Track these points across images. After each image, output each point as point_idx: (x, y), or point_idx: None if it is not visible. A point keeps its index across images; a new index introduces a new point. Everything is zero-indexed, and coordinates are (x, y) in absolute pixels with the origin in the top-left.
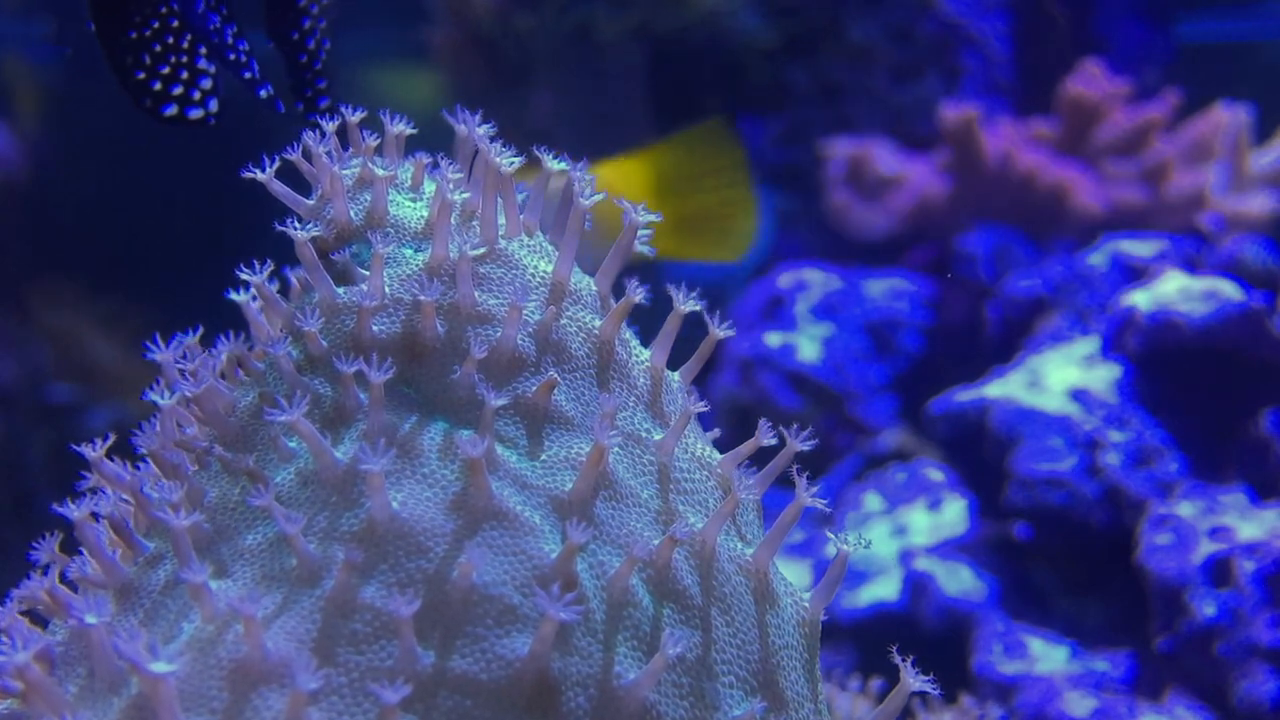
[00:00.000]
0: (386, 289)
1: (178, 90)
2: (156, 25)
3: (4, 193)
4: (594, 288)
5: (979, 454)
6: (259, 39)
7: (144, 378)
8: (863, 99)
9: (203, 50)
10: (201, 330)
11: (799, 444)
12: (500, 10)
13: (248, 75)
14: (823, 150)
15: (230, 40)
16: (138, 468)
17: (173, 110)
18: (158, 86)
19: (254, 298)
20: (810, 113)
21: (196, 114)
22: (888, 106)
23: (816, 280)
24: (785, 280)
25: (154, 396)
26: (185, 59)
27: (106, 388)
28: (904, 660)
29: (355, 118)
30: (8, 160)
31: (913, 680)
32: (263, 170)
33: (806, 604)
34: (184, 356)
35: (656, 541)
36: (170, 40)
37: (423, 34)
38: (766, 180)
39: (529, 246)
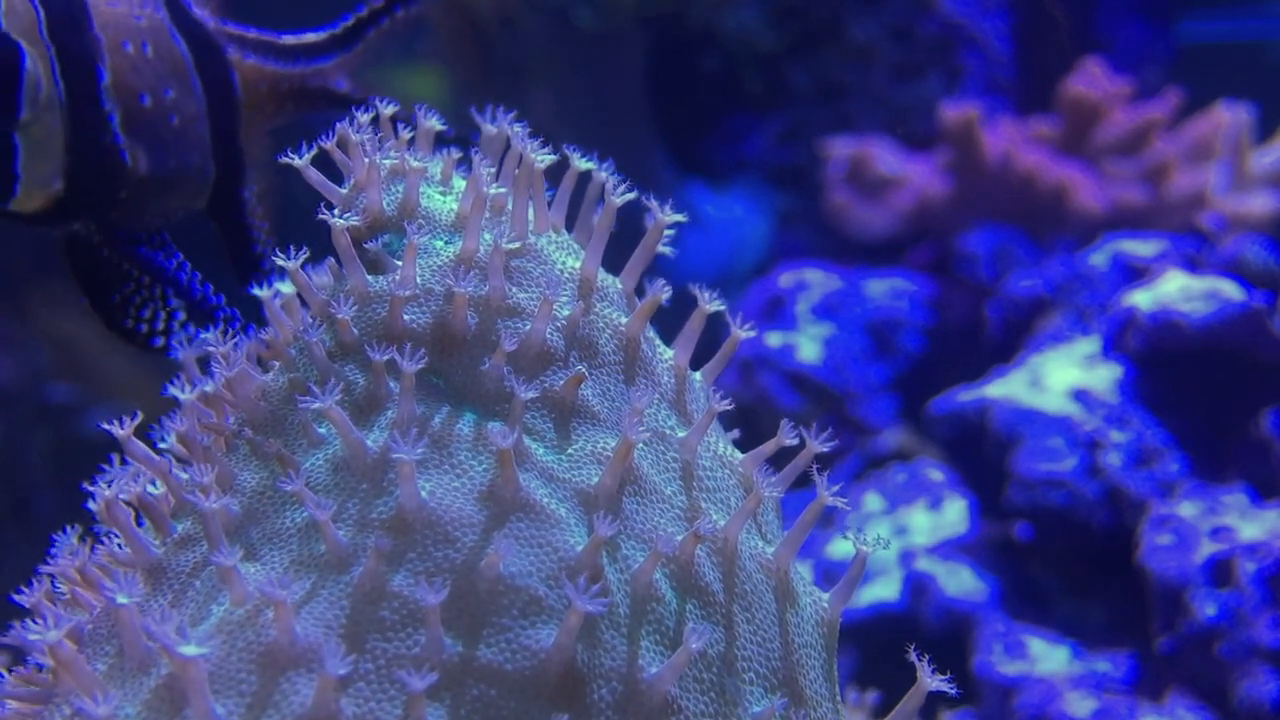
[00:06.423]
0: (418, 279)
1: (160, 326)
2: (130, 286)
3: None
4: (620, 285)
5: (980, 454)
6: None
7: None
8: (863, 98)
9: (175, 303)
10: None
11: (819, 445)
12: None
13: (224, 318)
14: (823, 150)
15: (213, 302)
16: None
17: (160, 342)
18: (144, 329)
19: (275, 294)
20: (810, 112)
21: (179, 339)
22: (888, 106)
23: (816, 280)
24: (785, 280)
25: (174, 391)
26: (159, 301)
27: (106, 388)
28: (920, 659)
29: (389, 110)
30: None
31: (929, 680)
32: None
33: (825, 604)
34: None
35: (680, 537)
36: (143, 293)
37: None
38: (766, 180)
39: (557, 243)
